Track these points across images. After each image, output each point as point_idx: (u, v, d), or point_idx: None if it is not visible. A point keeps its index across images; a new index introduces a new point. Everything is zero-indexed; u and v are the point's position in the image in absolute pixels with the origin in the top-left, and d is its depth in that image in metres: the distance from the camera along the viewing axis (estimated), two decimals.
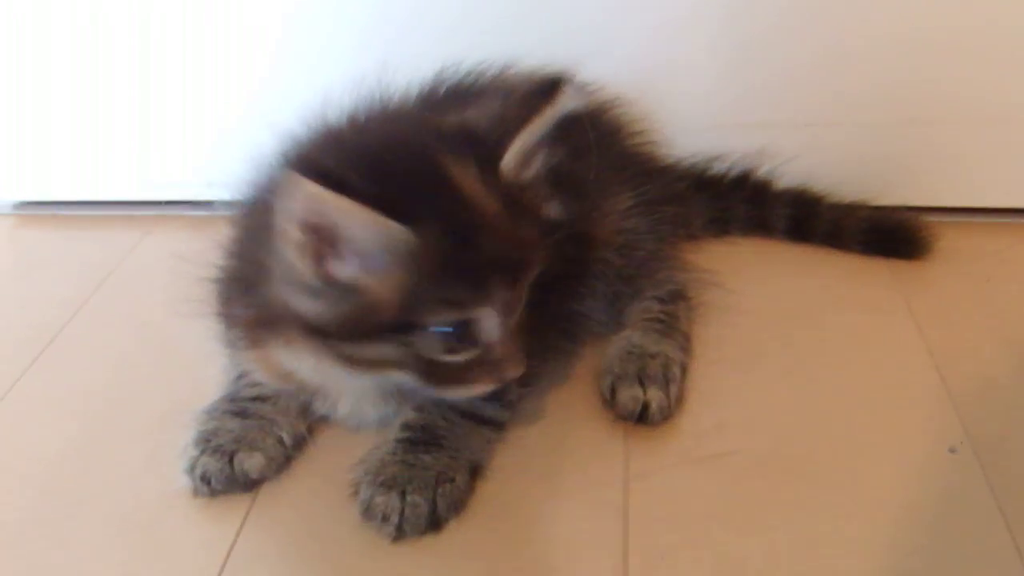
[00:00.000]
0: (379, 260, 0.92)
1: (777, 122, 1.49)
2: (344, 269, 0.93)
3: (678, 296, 1.28)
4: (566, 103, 1.00)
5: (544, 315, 1.17)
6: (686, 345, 1.24)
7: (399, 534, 1.00)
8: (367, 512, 1.01)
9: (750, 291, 1.36)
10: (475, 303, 0.95)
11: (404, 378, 1.00)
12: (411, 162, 0.95)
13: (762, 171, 1.49)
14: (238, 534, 1.03)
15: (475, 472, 1.07)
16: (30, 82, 1.60)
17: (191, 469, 1.07)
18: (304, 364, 1.06)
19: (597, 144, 1.26)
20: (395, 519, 1.00)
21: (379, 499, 1.01)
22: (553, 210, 1.05)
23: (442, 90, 1.28)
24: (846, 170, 1.49)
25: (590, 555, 0.99)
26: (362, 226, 0.89)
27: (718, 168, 1.50)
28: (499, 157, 0.98)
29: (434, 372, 0.99)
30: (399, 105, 1.19)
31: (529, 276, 0.99)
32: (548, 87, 0.99)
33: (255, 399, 1.11)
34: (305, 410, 1.13)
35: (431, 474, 1.03)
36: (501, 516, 1.04)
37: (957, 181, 1.52)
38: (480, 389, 1.01)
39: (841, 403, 1.17)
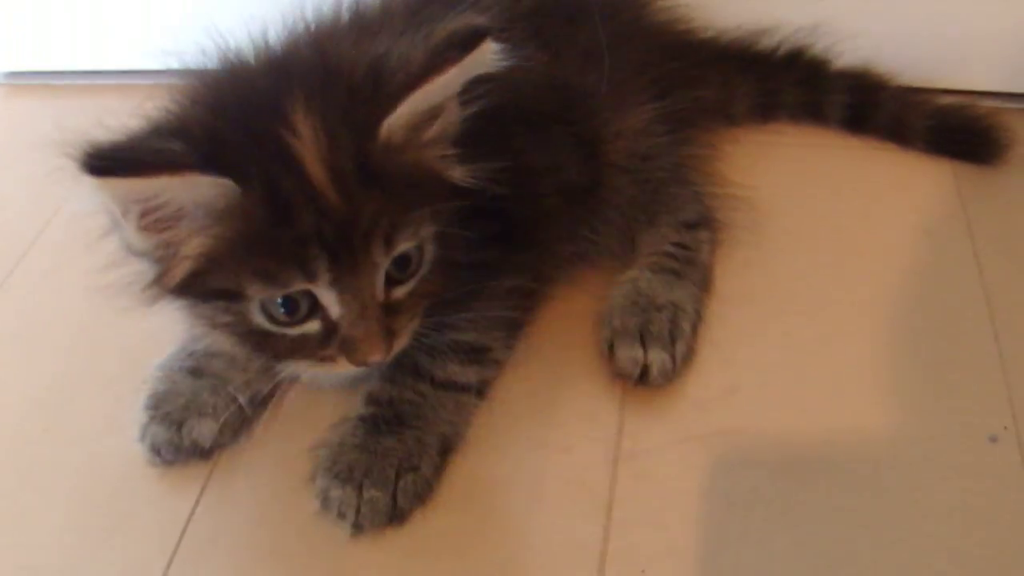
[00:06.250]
0: (199, 220, 0.83)
1: None
2: (168, 233, 0.84)
3: (701, 223, 1.15)
4: (480, 63, 0.84)
5: (535, 256, 1.07)
6: (705, 279, 1.12)
7: (356, 530, 0.93)
8: (324, 503, 0.95)
9: (787, 204, 1.22)
10: (292, 280, 0.84)
11: (238, 348, 0.92)
12: (256, 116, 0.84)
13: (817, 48, 1.31)
14: (192, 512, 0.98)
15: (447, 449, 0.99)
16: None
17: (142, 438, 1.01)
18: None
19: (613, 44, 1.10)
20: (351, 516, 0.93)
21: (335, 493, 0.94)
22: (463, 172, 0.90)
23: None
24: (914, 49, 1.31)
25: (564, 560, 0.91)
26: (170, 190, 0.80)
27: (766, 43, 1.32)
28: (381, 116, 0.83)
29: (273, 344, 0.89)
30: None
31: (373, 253, 0.84)
32: (464, 40, 0.83)
33: (211, 354, 1.02)
34: (268, 369, 1.02)
35: (392, 463, 0.95)
36: (471, 504, 0.96)
37: None
38: (339, 368, 0.89)
39: (870, 365, 1.04)
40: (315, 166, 0.82)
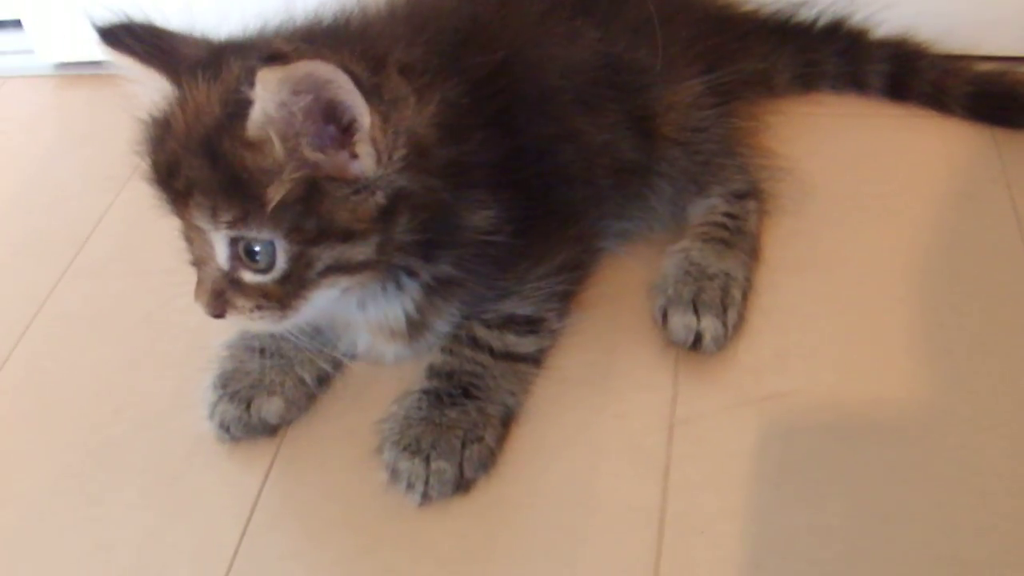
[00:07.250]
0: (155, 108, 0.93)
1: None
2: None
3: (749, 193, 1.16)
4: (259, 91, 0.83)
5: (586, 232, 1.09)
6: (754, 248, 1.13)
7: (425, 500, 0.95)
8: (392, 475, 0.97)
9: (830, 173, 1.23)
10: (160, 195, 0.92)
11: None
12: (209, 65, 0.91)
13: (856, 18, 1.31)
14: (262, 486, 1.00)
15: (509, 418, 1.01)
16: None
17: (211, 416, 1.03)
18: None
19: (662, 19, 1.11)
20: (420, 487, 0.95)
21: (403, 464, 0.96)
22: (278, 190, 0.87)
23: None
24: (952, 17, 1.30)
25: (624, 523, 0.93)
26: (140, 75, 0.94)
27: (806, 15, 1.32)
28: (246, 107, 0.86)
29: (191, 248, 0.95)
30: None
31: (193, 215, 0.88)
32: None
33: (275, 335, 1.04)
34: (328, 346, 1.05)
35: (458, 434, 0.97)
36: (532, 471, 0.98)
37: None
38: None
39: (916, 329, 1.05)
40: (180, 116, 0.89)
